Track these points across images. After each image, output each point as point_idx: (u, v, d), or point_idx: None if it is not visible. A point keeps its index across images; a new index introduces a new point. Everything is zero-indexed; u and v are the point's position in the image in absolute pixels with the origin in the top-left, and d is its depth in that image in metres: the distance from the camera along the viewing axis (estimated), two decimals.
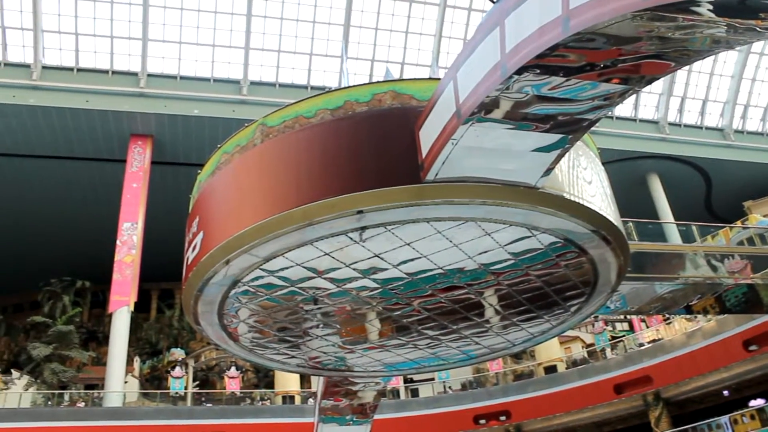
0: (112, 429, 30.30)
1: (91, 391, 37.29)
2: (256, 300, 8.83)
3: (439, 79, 7.11)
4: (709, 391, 30.21)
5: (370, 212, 6.98)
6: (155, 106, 39.13)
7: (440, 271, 8.44)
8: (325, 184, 7.13)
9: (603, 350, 37.18)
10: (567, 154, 6.91)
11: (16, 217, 46.02)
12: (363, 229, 7.34)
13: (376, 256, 7.90)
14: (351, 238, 7.46)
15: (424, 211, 7.07)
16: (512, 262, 8.41)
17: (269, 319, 9.58)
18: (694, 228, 26.02)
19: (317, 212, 7.00)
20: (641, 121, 48.08)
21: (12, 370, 40.98)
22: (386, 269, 8.26)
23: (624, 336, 38.98)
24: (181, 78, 40.43)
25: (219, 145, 8.54)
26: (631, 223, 18.85)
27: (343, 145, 7.37)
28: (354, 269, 8.18)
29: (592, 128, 6.46)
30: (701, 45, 4.73)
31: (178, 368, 38.51)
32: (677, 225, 31.43)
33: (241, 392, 37.46)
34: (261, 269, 7.96)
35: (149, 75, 39.74)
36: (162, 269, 41.17)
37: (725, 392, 30.05)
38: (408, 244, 7.74)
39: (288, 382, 37.97)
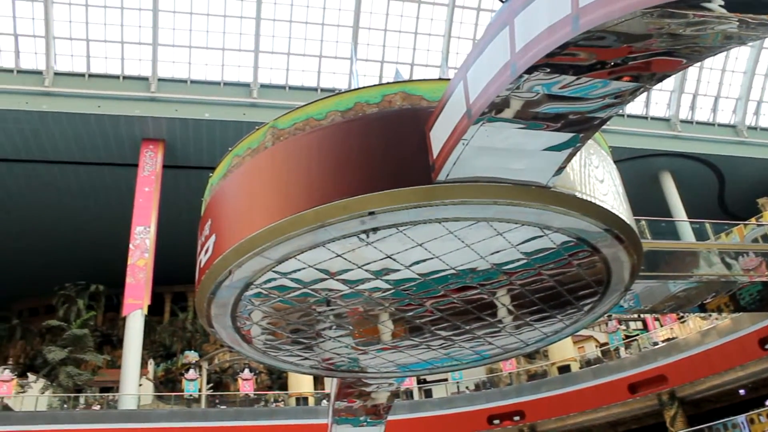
0: (128, 431, 30.47)
1: (106, 394, 37.49)
2: (268, 302, 8.85)
3: (449, 79, 7.10)
4: (725, 390, 29.94)
5: (382, 213, 6.98)
6: (166, 111, 39.31)
7: (452, 271, 8.42)
8: (336, 185, 7.14)
9: (617, 349, 36.95)
10: (578, 153, 6.89)
11: (30, 222, 46.35)
12: (367, 232, 7.34)
13: (388, 257, 7.90)
14: (363, 239, 7.47)
15: (436, 212, 7.06)
16: (525, 261, 8.39)
17: (282, 321, 9.59)
18: (707, 225, 25.82)
19: (329, 214, 7.01)
20: (653, 118, 47.78)
21: (28, 374, 41.29)
22: (398, 270, 8.26)
23: (638, 335, 38.76)
24: (192, 82, 40.59)
25: (230, 148, 8.57)
26: (643, 222, 18.70)
27: (354, 147, 7.37)
28: (366, 270, 8.19)
29: (603, 126, 6.43)
30: (713, 41, 4.70)
31: (192, 371, 38.63)
32: (690, 223, 31.19)
33: (254, 394, 37.50)
34: (273, 271, 7.98)
35: (160, 79, 39.92)
36: (175, 272, 41.27)
37: (741, 391, 29.77)
38: (420, 245, 7.73)
39: (301, 383, 37.99)
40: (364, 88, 7.84)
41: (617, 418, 33.12)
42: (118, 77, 39.70)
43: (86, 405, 35.35)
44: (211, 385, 44.63)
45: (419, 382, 37.20)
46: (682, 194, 46.50)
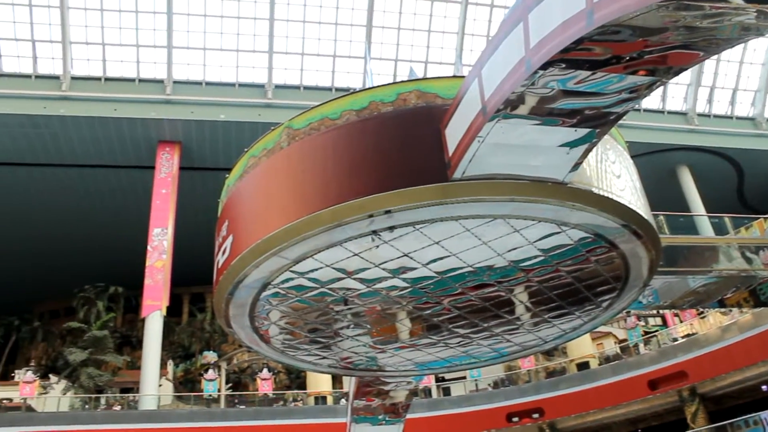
0: (148, 431, 30.68)
1: (126, 395, 37.81)
2: (286, 302, 8.88)
3: (463, 76, 7.09)
4: (747, 387, 29.64)
5: (399, 212, 6.98)
6: (182, 113, 39.56)
7: (470, 269, 8.40)
8: (352, 184, 7.15)
9: (636, 346, 36.73)
10: (595, 149, 6.85)
11: (50, 226, 46.82)
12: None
13: (405, 255, 7.90)
14: (380, 238, 7.47)
15: (452, 210, 7.05)
16: (542, 258, 8.35)
17: (300, 321, 9.62)
18: (726, 220, 25.55)
19: (345, 213, 7.02)
20: (669, 112, 47.40)
21: (50, 375, 41.77)
22: (415, 268, 8.25)
23: (657, 331, 38.54)
24: (207, 84, 40.81)
25: (246, 149, 8.61)
26: (661, 217, 18.58)
27: (370, 146, 7.38)
28: (383, 269, 8.19)
29: (620, 121, 6.39)
30: (730, 33, 4.65)
31: (210, 371, 38.87)
32: (709, 217, 30.90)
33: (273, 393, 37.65)
34: (291, 271, 8.01)
35: (175, 82, 40.18)
36: (193, 273, 41.55)
37: (764, 387, 29.48)
38: (437, 243, 7.72)
39: (320, 382, 38.10)
40: (378, 86, 7.83)
41: (637, 414, 32.91)
42: (133, 80, 40.02)
43: (107, 405, 35.68)
44: (230, 385, 44.90)
45: (438, 380, 37.17)
46: (700, 188, 46.10)
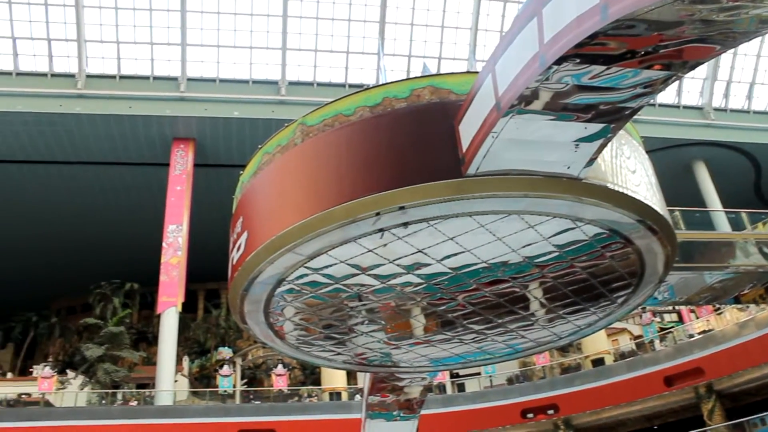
0: (164, 427, 30.89)
1: (142, 390, 38.12)
2: (301, 298, 8.91)
3: (477, 72, 7.07)
4: (765, 383, 29.36)
5: (412, 208, 6.98)
6: (196, 110, 39.74)
7: (484, 265, 8.39)
8: (366, 181, 7.16)
9: (651, 342, 36.55)
10: (609, 144, 6.81)
11: (66, 222, 47.24)
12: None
13: (420, 251, 7.90)
14: (394, 234, 7.48)
15: (467, 206, 7.04)
16: (557, 254, 8.33)
17: (315, 317, 9.65)
18: (743, 215, 25.33)
19: (359, 209, 7.03)
20: (685, 107, 47.02)
21: (67, 371, 42.18)
22: (430, 264, 8.25)
23: (673, 327, 38.28)
24: (221, 81, 40.97)
25: (260, 146, 8.64)
26: (677, 212, 18.45)
27: (383, 142, 7.38)
28: (397, 265, 8.19)
29: (635, 116, 6.36)
30: (747, 26, 4.60)
31: (226, 367, 39.09)
32: (726, 212, 30.69)
33: (288, 389, 37.82)
34: (305, 267, 8.03)
35: (189, 79, 40.37)
36: (208, 270, 41.86)
37: None
38: (451, 239, 7.72)
39: (335, 378, 38.23)
40: (392, 83, 7.83)
41: (653, 411, 32.75)
42: (148, 78, 40.25)
43: (124, 401, 35.98)
44: (245, 380, 45.10)
45: (452, 376, 37.18)
46: (716, 183, 45.73)
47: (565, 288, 9.27)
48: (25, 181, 43.03)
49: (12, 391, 35.72)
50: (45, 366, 37.55)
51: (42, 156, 41.00)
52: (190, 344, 52.70)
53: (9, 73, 39.09)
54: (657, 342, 36.19)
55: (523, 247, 8.08)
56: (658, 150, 40.78)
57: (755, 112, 48.44)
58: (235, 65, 41.34)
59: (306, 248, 7.60)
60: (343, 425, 29.54)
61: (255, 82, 41.36)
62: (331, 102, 7.89)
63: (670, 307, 39.79)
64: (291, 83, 41.55)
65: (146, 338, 53.07)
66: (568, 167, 6.78)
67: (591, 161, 6.74)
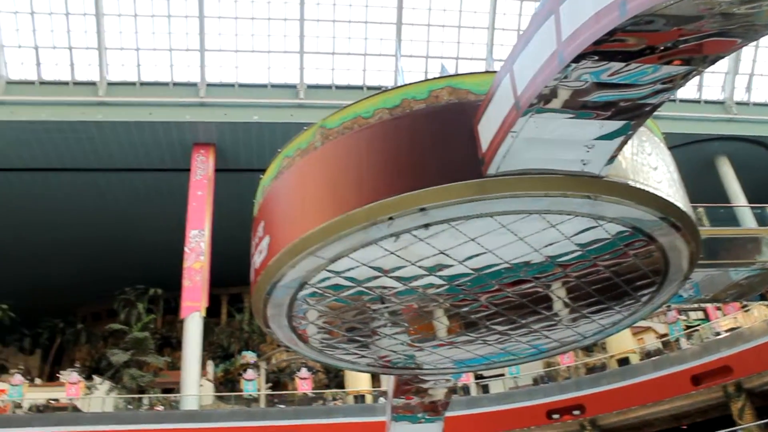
0: (190, 431, 31.13)
1: (168, 395, 38.37)
2: (323, 301, 8.93)
3: (495, 72, 7.06)
4: None
5: (433, 209, 6.97)
6: (216, 115, 40.04)
7: (506, 265, 8.36)
8: (386, 183, 7.17)
9: (678, 340, 36.10)
10: (630, 141, 6.76)
11: (90, 229, 47.78)
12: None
13: (441, 252, 7.89)
14: (415, 236, 7.47)
15: (488, 206, 7.02)
16: (579, 253, 8.27)
17: (337, 320, 9.67)
18: None
19: (380, 211, 7.04)
20: (706, 102, 46.46)
21: (94, 376, 42.62)
22: (452, 266, 8.23)
23: (699, 325, 37.78)
24: (239, 86, 41.24)
25: (280, 150, 8.68)
26: (701, 208, 18.24)
27: (403, 144, 7.39)
28: (420, 267, 8.19)
29: (655, 112, 6.30)
30: None
31: (250, 371, 39.22)
32: (751, 208, 30.26)
33: (312, 393, 37.86)
34: (327, 270, 8.05)
35: (208, 85, 40.67)
36: (230, 274, 42.03)
37: None
38: (473, 240, 7.70)
39: (359, 381, 38.22)
40: (410, 84, 7.83)
41: (681, 411, 32.34)
42: (168, 84, 40.63)
43: (150, 406, 36.25)
44: (269, 384, 45.25)
45: (476, 377, 36.99)
46: (740, 178, 45.11)
47: (588, 287, 9.20)
48: (50, 189, 43.59)
49: (41, 397, 36.15)
50: (72, 372, 37.98)
51: (65, 163, 41.52)
52: (214, 349, 52.98)
53: (32, 83, 39.70)
54: (683, 340, 35.73)
55: (545, 246, 8.04)
56: (679, 146, 40.26)
57: None
58: (254, 70, 41.62)
59: (327, 251, 7.62)
60: (367, 428, 29.53)
61: (274, 86, 41.57)
62: (350, 105, 7.91)
63: (696, 305, 39.28)
64: (309, 86, 41.70)
65: (171, 343, 53.43)
66: (589, 165, 6.74)
67: (612, 159, 6.69)
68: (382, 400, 33.92)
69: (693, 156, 43.56)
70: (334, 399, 37.74)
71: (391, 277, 8.39)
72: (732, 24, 4.61)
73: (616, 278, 9.01)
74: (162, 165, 42.39)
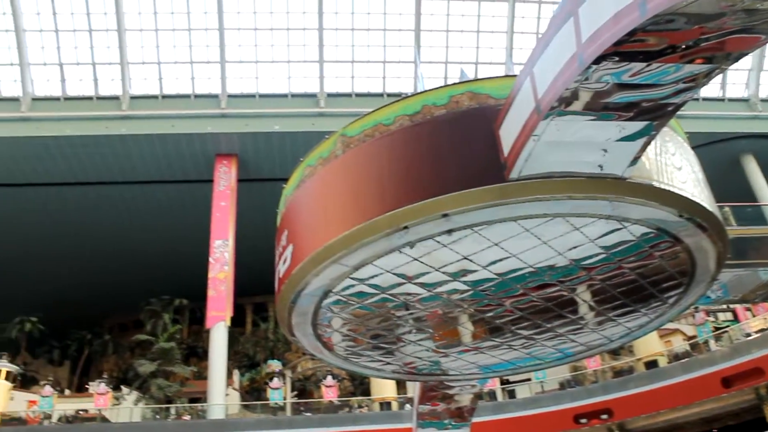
0: None
1: (195, 405, 38.61)
2: (348, 309, 8.94)
3: (515, 76, 7.05)
4: None
5: (456, 215, 6.96)
6: (237, 126, 40.35)
7: (530, 269, 8.32)
8: (408, 189, 7.17)
9: (706, 342, 35.61)
10: (653, 142, 6.70)
11: (115, 242, 48.34)
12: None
13: (465, 258, 7.87)
14: (439, 242, 7.46)
15: (510, 210, 7.00)
16: (604, 256, 8.20)
17: (362, 327, 9.68)
18: None
19: (403, 218, 7.04)
20: (730, 100, 45.88)
21: (122, 387, 43.03)
22: (476, 271, 8.20)
23: (728, 326, 37.25)
24: (260, 96, 41.53)
25: (302, 159, 8.73)
26: (727, 208, 18.00)
27: (424, 150, 7.39)
28: (443, 273, 8.17)
29: (678, 112, 6.24)
30: None
31: (276, 379, 39.35)
32: None
33: (338, 400, 37.88)
34: (351, 278, 8.07)
35: (229, 96, 41.03)
36: (255, 283, 42.21)
37: None
38: (496, 245, 7.67)
39: (384, 388, 38.18)
40: (430, 90, 7.84)
41: (711, 414, 31.85)
42: (189, 96, 41.06)
43: (177, 415, 36.52)
44: (295, 392, 45.36)
45: (502, 382, 36.79)
46: (767, 176, 44.45)
47: (614, 290, 9.12)
48: (76, 203, 44.17)
49: (70, 408, 36.61)
50: (100, 382, 38.38)
51: (89, 177, 42.08)
52: (239, 358, 53.25)
53: (57, 99, 40.30)
54: (712, 342, 35.25)
55: (570, 249, 7.99)
56: (704, 145, 39.77)
57: None
58: (274, 80, 41.94)
59: (351, 259, 7.64)
60: None
61: (294, 95, 41.82)
62: (371, 112, 7.93)
63: (725, 306, 38.73)
64: (330, 95, 41.88)
65: (196, 353, 53.84)
66: (612, 167, 6.69)
67: (635, 160, 6.64)
68: (408, 406, 33.86)
69: (718, 155, 43.02)
70: (360, 406, 37.73)
71: (415, 284, 8.38)
72: (755, 20, 4.56)
73: (642, 280, 8.92)
74: (185, 176, 42.78)
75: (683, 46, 4.92)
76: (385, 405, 36.95)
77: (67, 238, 47.18)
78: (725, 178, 39.61)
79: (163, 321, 50.41)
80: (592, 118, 5.98)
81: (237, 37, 40.86)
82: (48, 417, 35.03)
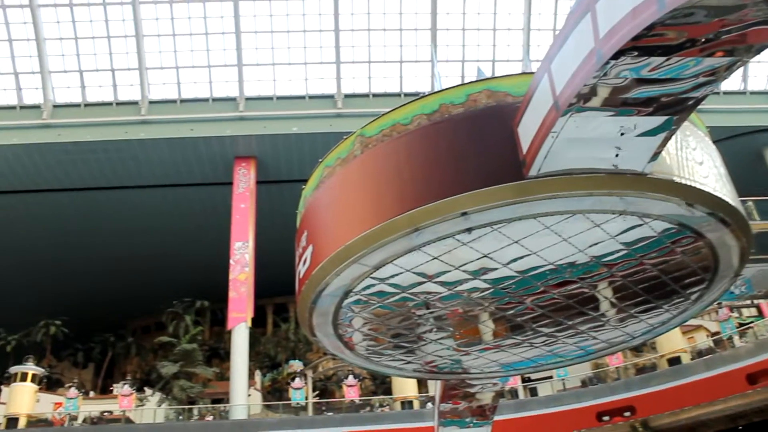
0: None
1: (217, 405, 38.88)
2: (368, 308, 8.96)
3: (532, 73, 7.02)
4: None
5: (475, 213, 6.96)
6: (255, 128, 40.56)
7: (551, 266, 8.28)
8: (427, 188, 7.18)
9: (730, 338, 35.21)
10: (674, 136, 6.65)
11: (137, 245, 48.78)
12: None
13: (485, 256, 7.85)
14: (458, 240, 7.46)
15: (530, 208, 6.98)
16: (625, 252, 8.15)
17: (383, 327, 9.69)
18: None
19: (422, 217, 7.04)
20: (752, 93, 45.33)
21: (145, 388, 43.42)
22: (496, 269, 8.19)
23: (752, 322, 36.79)
24: (278, 98, 41.72)
25: (320, 160, 8.76)
26: (750, 202, 17.84)
27: (443, 149, 7.39)
28: (463, 271, 8.16)
29: (699, 106, 6.19)
30: None
31: (297, 379, 39.49)
32: None
33: (360, 400, 37.95)
34: (371, 278, 8.08)
35: (247, 98, 41.27)
36: (275, 284, 42.40)
37: None
38: (516, 242, 7.65)
39: (406, 387, 38.17)
40: (447, 89, 7.83)
41: (736, 411, 31.47)
42: (207, 100, 41.35)
43: (200, 416, 36.79)
44: (316, 392, 45.48)
45: (524, 380, 36.64)
46: None
47: (635, 286, 9.06)
48: (97, 208, 44.66)
49: (95, 409, 37.01)
50: (124, 384, 38.77)
51: (110, 182, 42.53)
52: (261, 358, 53.50)
53: (77, 105, 40.77)
54: (736, 338, 34.86)
55: (590, 246, 7.94)
56: (725, 139, 39.35)
57: None
58: (291, 82, 42.14)
59: (371, 259, 7.65)
60: None
61: (311, 97, 41.96)
62: (388, 112, 7.94)
63: (749, 302, 38.28)
64: (347, 96, 41.97)
65: (218, 354, 54.16)
66: (632, 163, 6.65)
67: (655, 155, 6.59)
68: (429, 405, 33.83)
69: (740, 149, 42.50)
70: (382, 405, 37.77)
71: (435, 282, 8.38)
72: None
73: (664, 276, 8.85)
74: (204, 179, 43.08)
75: (703, 40, 4.88)
76: (407, 404, 36.93)
77: (89, 242, 47.70)
78: (748, 172, 39.12)
79: (185, 323, 50.78)
80: (611, 114, 5.95)
81: (254, 41, 41.08)
82: (74, 418, 35.45)
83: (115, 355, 59.40)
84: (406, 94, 41.45)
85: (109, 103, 40.96)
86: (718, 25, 4.66)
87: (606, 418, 32.71)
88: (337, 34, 40.96)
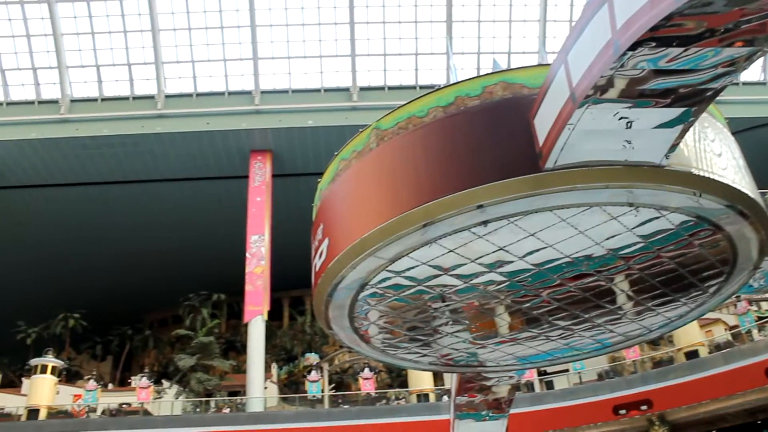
0: None
1: (234, 398, 39.15)
2: (384, 301, 8.96)
3: (549, 65, 6.97)
4: None
5: (491, 206, 6.93)
6: (271, 122, 40.66)
7: (567, 259, 8.24)
8: (443, 181, 7.16)
9: (749, 332, 34.92)
10: (692, 128, 6.59)
11: (153, 239, 49.11)
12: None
13: (501, 249, 7.83)
14: (474, 233, 7.44)
15: (546, 200, 6.95)
16: (642, 245, 8.08)
17: (399, 320, 9.69)
18: None
19: (438, 210, 7.03)
20: None
21: (162, 381, 43.79)
22: (512, 262, 8.16)
23: None
24: (293, 91, 41.76)
25: (336, 153, 8.76)
26: None
27: (458, 141, 7.36)
28: (480, 264, 8.14)
29: (717, 97, 6.12)
30: None
31: (313, 372, 39.65)
32: None
33: (375, 393, 38.02)
34: (387, 270, 8.08)
35: (263, 92, 41.35)
36: (291, 277, 42.64)
37: None
38: (532, 235, 7.61)
39: (421, 380, 38.20)
40: (463, 81, 7.79)
41: (755, 405, 31.21)
42: (223, 94, 41.47)
43: (217, 408, 37.08)
44: (332, 385, 45.66)
45: (540, 373, 36.57)
46: None
47: (652, 279, 8.99)
48: (114, 202, 45.00)
49: (113, 402, 37.37)
50: (142, 377, 39.12)
51: (127, 176, 42.83)
52: (277, 351, 53.77)
53: (95, 100, 41.06)
54: (755, 332, 34.55)
55: (607, 239, 7.89)
56: (744, 131, 38.92)
57: None
58: (307, 75, 42.17)
59: (387, 252, 7.65)
60: (431, 427, 29.51)
61: (327, 90, 41.96)
62: (404, 104, 7.92)
63: None
64: (362, 89, 41.95)
65: (235, 347, 54.49)
66: (650, 155, 6.59)
67: (673, 147, 6.54)
68: (445, 398, 33.85)
69: (759, 140, 42.01)
70: (398, 398, 37.83)
71: (451, 275, 8.37)
72: None
73: (682, 269, 8.77)
74: (220, 173, 43.27)
75: (722, 29, 4.82)
76: (423, 397, 36.96)
77: (106, 235, 48.09)
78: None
79: (202, 316, 51.15)
80: (629, 105, 5.90)
81: (269, 34, 41.15)
82: (93, 410, 35.86)
83: (133, 348, 59.94)
84: (421, 87, 41.34)
85: (126, 98, 41.21)
86: (738, 14, 4.60)
87: (623, 411, 32.55)
88: (352, 27, 40.91)
